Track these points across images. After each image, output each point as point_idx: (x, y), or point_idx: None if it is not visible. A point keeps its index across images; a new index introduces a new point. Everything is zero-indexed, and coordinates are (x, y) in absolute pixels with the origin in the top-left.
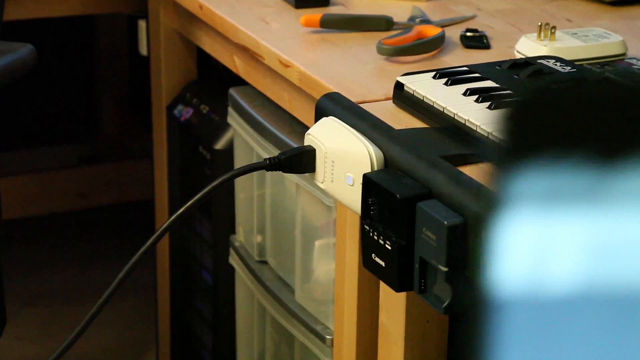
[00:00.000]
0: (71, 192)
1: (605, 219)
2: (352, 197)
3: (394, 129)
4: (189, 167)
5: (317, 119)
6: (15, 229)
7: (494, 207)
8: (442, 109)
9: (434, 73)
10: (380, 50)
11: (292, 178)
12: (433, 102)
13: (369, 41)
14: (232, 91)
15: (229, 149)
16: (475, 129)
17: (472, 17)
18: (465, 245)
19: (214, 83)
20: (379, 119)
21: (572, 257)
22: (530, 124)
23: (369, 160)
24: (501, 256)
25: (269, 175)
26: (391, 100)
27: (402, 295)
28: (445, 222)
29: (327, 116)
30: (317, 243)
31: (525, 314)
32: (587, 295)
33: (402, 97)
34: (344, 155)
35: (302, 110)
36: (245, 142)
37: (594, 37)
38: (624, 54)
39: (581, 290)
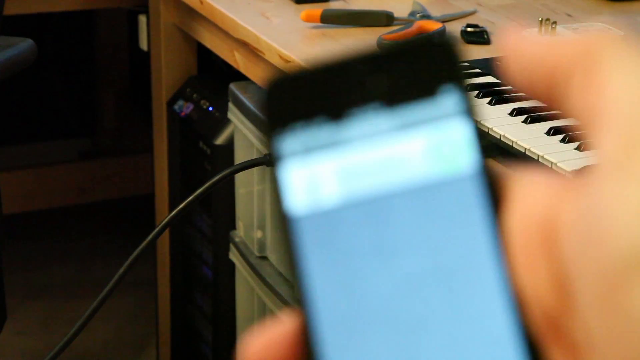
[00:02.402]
0: (71, 187)
1: (347, 153)
2: None
3: None
4: (189, 162)
5: None
6: (16, 223)
7: (271, 164)
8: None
9: None
10: (381, 46)
11: None
12: None
13: (370, 36)
14: (233, 86)
15: (229, 144)
16: None
17: (473, 13)
18: None
19: (214, 78)
20: None
21: (333, 182)
22: (281, 101)
23: None
24: (286, 191)
25: (270, 170)
26: None
27: None
28: None
29: None
30: None
31: (312, 229)
32: (351, 202)
33: None
34: None
35: None
36: (246, 138)
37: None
38: None
39: (344, 201)
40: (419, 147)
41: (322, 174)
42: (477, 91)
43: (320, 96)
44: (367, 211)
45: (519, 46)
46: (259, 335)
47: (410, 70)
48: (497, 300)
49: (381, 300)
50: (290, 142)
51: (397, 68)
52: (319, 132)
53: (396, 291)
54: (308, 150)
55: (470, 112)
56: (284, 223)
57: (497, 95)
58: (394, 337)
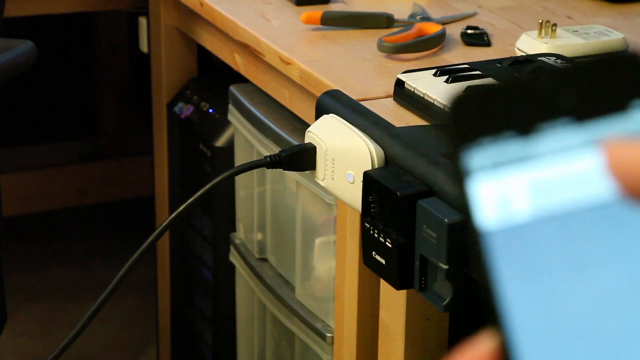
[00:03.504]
0: (71, 189)
1: (537, 168)
2: (353, 194)
3: (394, 126)
4: (189, 165)
5: (317, 117)
6: (16, 225)
7: (460, 178)
8: (442, 107)
9: (434, 70)
10: (381, 48)
11: (292, 175)
12: (434, 100)
13: (370, 38)
14: (233, 88)
15: (230, 146)
16: None
17: (473, 15)
18: (466, 243)
19: (214, 80)
20: (380, 117)
21: (524, 196)
22: (467, 116)
23: (370, 158)
24: (477, 206)
25: (270, 172)
26: (392, 98)
27: (403, 292)
28: (446, 220)
29: (327, 113)
30: (317, 240)
31: (505, 244)
32: (543, 217)
33: (402, 94)
34: (344, 153)
35: (302, 108)
36: (246, 140)
37: (594, 35)
38: None
39: (536, 215)
40: None
41: (512, 188)
42: None
43: (508, 111)
44: (560, 225)
45: (623, 156)
46: (459, 357)
47: (600, 84)
48: None
49: (581, 315)
50: (479, 157)
51: (587, 83)
52: (508, 147)
53: (595, 306)
54: (497, 165)
55: None
56: (475, 238)
57: None
58: (597, 352)
